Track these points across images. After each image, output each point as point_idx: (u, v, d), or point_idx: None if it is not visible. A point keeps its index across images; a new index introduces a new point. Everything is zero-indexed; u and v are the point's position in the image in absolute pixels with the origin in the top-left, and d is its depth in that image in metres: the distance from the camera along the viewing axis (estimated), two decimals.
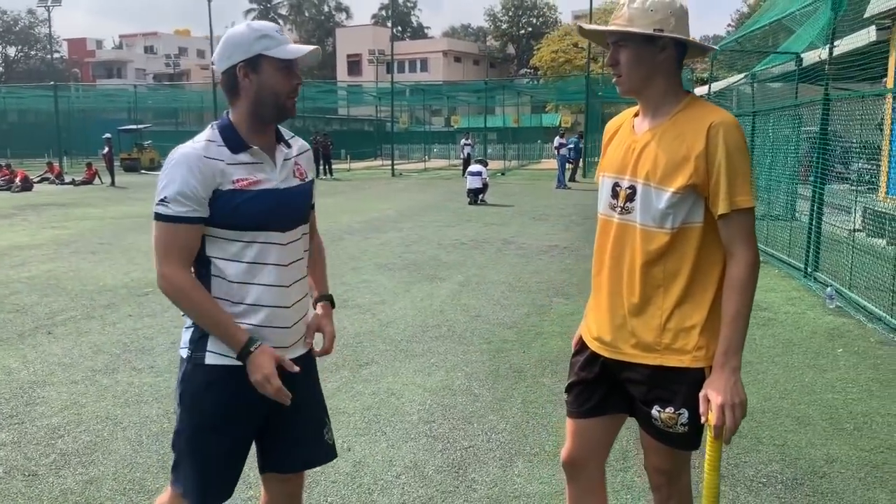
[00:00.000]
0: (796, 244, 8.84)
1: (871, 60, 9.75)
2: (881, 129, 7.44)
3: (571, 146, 24.60)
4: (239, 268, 2.04)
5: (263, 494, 2.38)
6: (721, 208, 1.93)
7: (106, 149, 25.46)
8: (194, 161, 1.97)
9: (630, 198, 2.06)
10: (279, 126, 2.18)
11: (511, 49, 76.20)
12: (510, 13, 74.24)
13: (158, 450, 3.74)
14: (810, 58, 10.41)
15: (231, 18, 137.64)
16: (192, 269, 2.05)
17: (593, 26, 2.15)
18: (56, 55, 61.65)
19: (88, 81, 70.06)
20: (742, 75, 14.97)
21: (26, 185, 22.21)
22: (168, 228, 1.97)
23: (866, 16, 9.92)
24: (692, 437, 2.08)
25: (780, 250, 9.34)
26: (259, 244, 2.05)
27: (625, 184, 2.08)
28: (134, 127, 35.54)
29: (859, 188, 7.99)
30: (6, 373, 4.96)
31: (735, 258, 1.96)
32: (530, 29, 73.50)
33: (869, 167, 8.58)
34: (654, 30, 1.97)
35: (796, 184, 10.30)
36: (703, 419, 1.96)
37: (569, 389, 2.31)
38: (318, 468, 3.48)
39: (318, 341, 2.33)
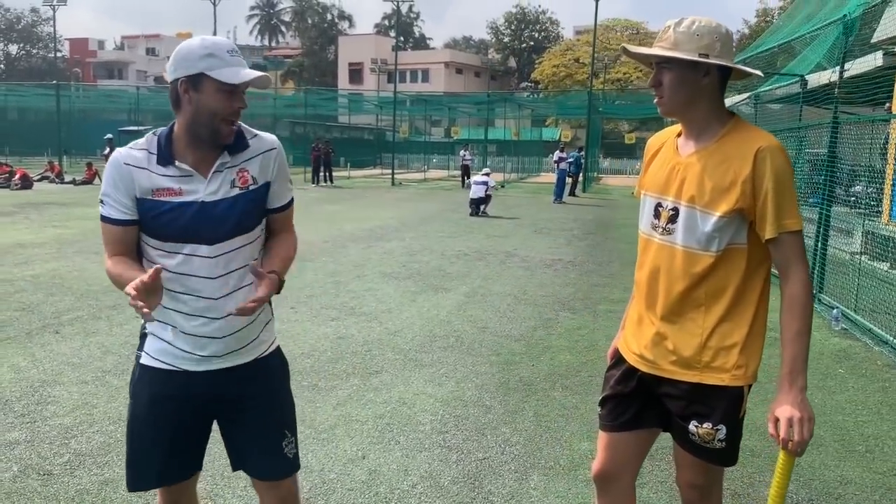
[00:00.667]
0: None
1: (877, 86, 9.83)
2: (884, 156, 7.50)
3: (572, 160, 24.64)
4: (165, 274, 2.05)
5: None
6: (769, 232, 1.95)
7: (108, 149, 25.41)
8: (114, 168, 2.07)
9: (672, 219, 2.09)
10: (241, 123, 2.14)
11: (512, 62, 76.52)
12: (513, 26, 74.62)
13: None
14: (814, 80, 10.48)
15: (234, 23, 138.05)
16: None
17: (639, 49, 2.14)
18: (58, 54, 61.62)
19: (89, 81, 70.05)
20: (744, 96, 15.06)
21: (26, 184, 22.15)
22: (102, 225, 2.12)
23: (873, 41, 10.00)
24: (729, 452, 2.11)
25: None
26: (183, 255, 2.06)
27: (668, 205, 2.10)
28: (135, 128, 35.39)
29: (862, 211, 8.04)
30: (16, 371, 4.94)
31: (790, 278, 1.98)
32: (532, 43, 73.86)
33: (871, 191, 8.64)
34: (699, 55, 1.99)
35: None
36: (771, 436, 1.95)
37: (603, 403, 2.33)
38: (332, 476, 3.52)
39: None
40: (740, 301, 2.05)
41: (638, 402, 2.23)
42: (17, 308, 6.70)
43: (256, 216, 2.15)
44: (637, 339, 2.21)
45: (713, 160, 2.02)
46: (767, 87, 13.34)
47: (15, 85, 49.91)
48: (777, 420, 1.92)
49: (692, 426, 2.09)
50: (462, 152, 31.55)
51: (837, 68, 7.86)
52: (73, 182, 24.66)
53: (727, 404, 2.05)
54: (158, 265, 1.94)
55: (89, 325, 6.20)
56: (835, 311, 7.00)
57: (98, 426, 4.05)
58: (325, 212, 17.08)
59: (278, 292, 2.12)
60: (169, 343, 2.15)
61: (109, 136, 26.34)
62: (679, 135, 2.17)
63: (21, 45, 75.76)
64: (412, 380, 5.03)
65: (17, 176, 22.28)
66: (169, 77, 2.04)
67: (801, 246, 1.99)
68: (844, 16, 7.63)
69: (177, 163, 2.06)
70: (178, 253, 2.06)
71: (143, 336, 2.22)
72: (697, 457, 2.13)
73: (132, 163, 2.06)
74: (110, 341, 5.70)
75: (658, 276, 2.13)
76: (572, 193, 24.99)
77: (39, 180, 24.40)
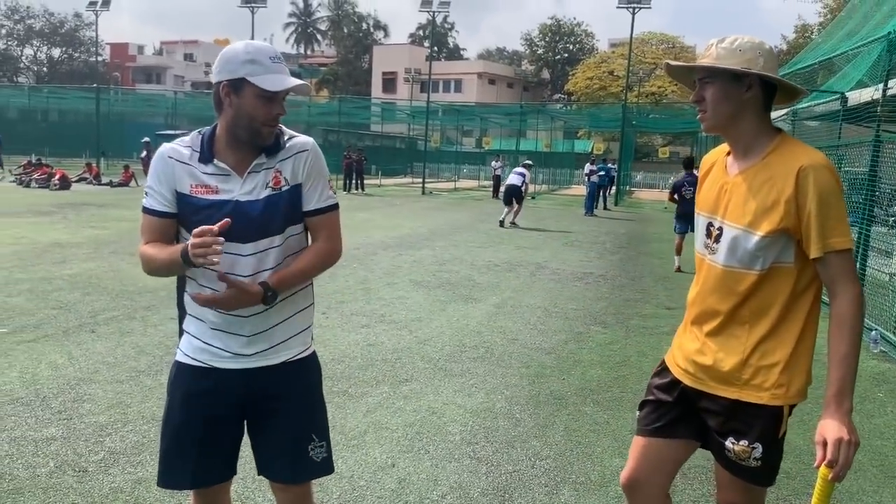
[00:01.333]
0: None
1: None
2: None
3: (603, 172, 24.45)
4: (198, 270, 2.10)
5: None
6: (814, 251, 1.94)
7: (145, 153, 25.88)
8: (160, 161, 2.15)
9: (717, 239, 2.10)
10: (280, 125, 2.18)
11: (546, 74, 76.48)
12: (547, 38, 74.61)
13: None
14: (855, 98, 10.32)
15: (270, 31, 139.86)
16: None
17: (680, 62, 2.16)
18: (99, 58, 62.86)
19: (128, 85, 71.38)
20: (783, 112, 14.88)
21: (64, 185, 22.58)
22: (143, 216, 2.18)
23: None
24: (765, 472, 2.09)
25: (823, 294, 9.19)
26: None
27: (716, 224, 2.12)
28: (171, 132, 36.00)
29: None
30: (53, 368, 5.02)
31: (839, 297, 1.95)
32: (566, 55, 73.78)
33: None
34: (742, 68, 2.00)
35: None
36: (816, 463, 1.90)
37: (641, 406, 2.35)
38: (362, 482, 3.52)
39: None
40: (785, 320, 2.03)
41: (676, 411, 2.24)
42: (55, 306, 6.82)
43: (286, 218, 2.15)
44: (682, 352, 2.23)
45: (758, 179, 2.02)
46: (806, 104, 13.17)
47: (57, 87, 51.06)
48: (824, 442, 1.87)
49: (729, 443, 2.08)
50: (494, 163, 31.54)
51: (881, 86, 7.73)
52: (110, 184, 25.08)
53: (765, 423, 2.04)
54: (223, 221, 1.97)
55: (124, 324, 6.29)
56: (873, 332, 6.86)
57: (132, 425, 4.10)
58: (356, 219, 17.17)
59: (266, 303, 2.10)
60: (202, 340, 2.19)
61: (146, 139, 26.83)
62: (728, 153, 2.17)
63: (64, 48, 77.41)
64: (442, 389, 5.03)
65: (56, 177, 22.74)
66: (213, 78, 2.09)
67: (851, 265, 1.96)
68: (889, 33, 7.50)
69: (216, 161, 2.11)
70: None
71: (181, 333, 2.26)
72: (733, 474, 2.12)
73: (176, 157, 2.14)
74: (144, 341, 5.78)
75: (706, 293, 2.15)
76: (604, 206, 24.88)
77: (77, 181, 24.84)
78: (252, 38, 39.80)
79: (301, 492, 2.32)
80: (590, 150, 41.14)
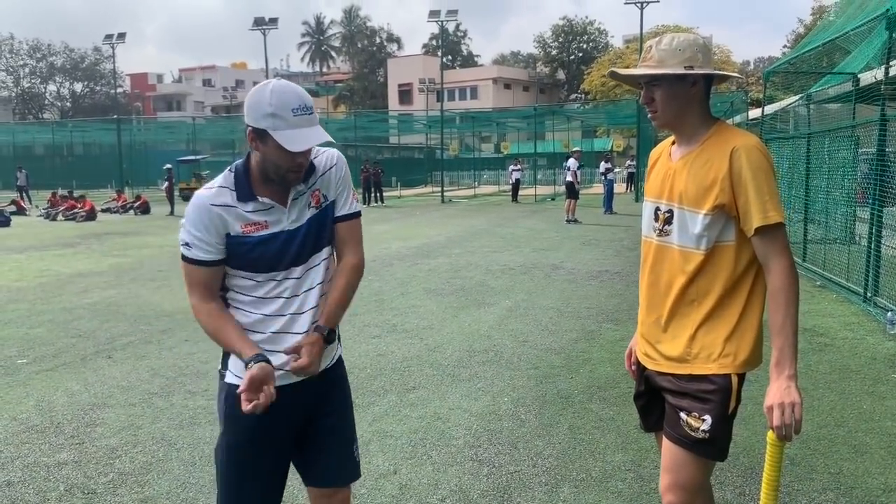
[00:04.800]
0: (855, 268, 8.60)
1: None
2: None
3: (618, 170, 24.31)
4: (250, 300, 2.18)
5: None
6: (753, 224, 2.03)
7: (167, 179, 26.26)
8: (203, 211, 2.11)
9: (668, 221, 2.20)
10: None
11: (561, 74, 76.32)
12: (560, 39, 74.49)
13: (211, 470, 3.81)
14: (867, 78, 10.19)
15: (286, 51, 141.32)
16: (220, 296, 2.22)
17: (627, 71, 2.25)
18: (119, 90, 64.09)
19: (150, 114, 72.63)
20: (798, 97, 14.70)
21: (90, 216, 23.06)
22: (187, 267, 2.15)
23: None
24: (711, 445, 2.14)
25: (838, 275, 9.09)
26: (275, 282, 2.16)
27: (663, 208, 2.22)
28: (192, 158, 36.56)
29: None
30: (69, 395, 5.15)
31: (773, 270, 2.05)
32: (580, 54, 73.59)
33: None
34: (685, 67, 2.12)
35: (854, 207, 10.04)
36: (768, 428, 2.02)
37: (635, 401, 2.48)
38: (363, 491, 3.56)
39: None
40: (729, 296, 2.14)
41: (644, 399, 2.39)
42: (74, 335, 6.98)
43: (332, 231, 2.25)
44: (641, 336, 2.35)
45: (698, 162, 2.14)
46: (819, 87, 13.02)
47: (80, 121, 52.11)
48: (771, 408, 1.99)
49: (682, 415, 2.17)
50: (512, 167, 31.56)
51: (883, 66, 7.63)
52: (135, 212, 25.52)
53: (713, 395, 2.12)
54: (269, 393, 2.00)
55: (140, 349, 6.42)
56: (889, 314, 6.76)
57: (141, 446, 4.20)
58: (374, 231, 17.30)
59: (329, 342, 2.19)
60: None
61: (168, 166, 27.19)
62: (674, 142, 2.30)
63: (86, 83, 78.99)
64: (448, 395, 5.06)
65: (85, 208, 23.20)
66: (245, 119, 2.11)
67: (783, 239, 2.06)
68: (888, 10, 7.41)
69: (259, 198, 2.13)
70: (272, 280, 2.16)
71: (226, 354, 2.23)
72: (683, 448, 2.16)
73: (219, 203, 2.12)
74: (159, 364, 5.90)
75: (658, 275, 2.26)
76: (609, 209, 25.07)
77: (104, 211, 25.21)
78: (266, 60, 40.31)
79: (347, 495, 2.40)
80: (609, 147, 40.96)
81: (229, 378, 2.22)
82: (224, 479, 2.24)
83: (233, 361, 2.21)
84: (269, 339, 2.18)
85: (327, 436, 2.31)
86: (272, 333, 2.18)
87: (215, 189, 2.14)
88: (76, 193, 25.88)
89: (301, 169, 2.12)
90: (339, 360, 2.40)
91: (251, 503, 2.25)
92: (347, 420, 2.38)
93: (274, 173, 2.10)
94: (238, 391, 1.99)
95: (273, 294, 2.17)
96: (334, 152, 2.29)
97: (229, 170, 2.18)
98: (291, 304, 2.18)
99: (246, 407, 1.96)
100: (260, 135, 2.05)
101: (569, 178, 19.82)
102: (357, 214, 2.31)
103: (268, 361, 2.04)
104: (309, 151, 2.12)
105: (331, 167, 2.25)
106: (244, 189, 2.13)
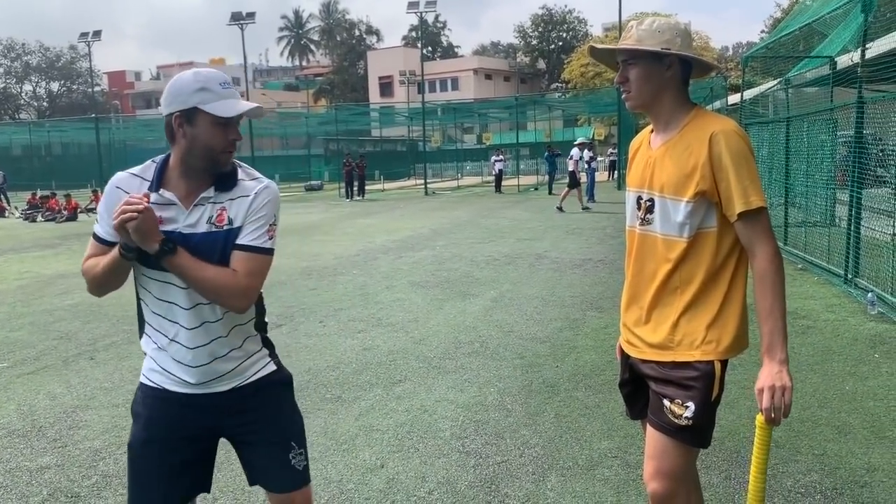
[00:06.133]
0: (836, 250, 8.67)
1: None
2: None
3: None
4: (148, 296, 2.16)
5: None
6: (735, 210, 2.02)
7: None
8: (110, 190, 2.13)
9: (649, 210, 2.20)
10: (242, 166, 2.18)
11: (542, 64, 76.30)
12: (539, 28, 74.44)
13: None
14: (844, 61, 10.25)
15: (265, 46, 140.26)
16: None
17: (604, 45, 2.24)
18: (97, 88, 63.35)
19: (128, 112, 71.95)
20: (777, 81, 14.78)
21: (71, 216, 22.82)
22: (91, 240, 2.18)
23: None
24: (694, 432, 2.14)
25: (819, 257, 9.16)
26: (159, 282, 2.11)
27: (645, 197, 2.21)
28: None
29: None
30: (51, 398, 5.09)
31: (757, 255, 2.04)
32: (560, 43, 73.56)
33: None
34: (662, 48, 2.10)
35: (834, 189, 10.11)
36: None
37: (620, 388, 2.49)
38: (350, 486, 3.55)
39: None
40: (711, 282, 2.13)
41: (630, 388, 2.40)
42: (56, 337, 6.90)
43: (225, 257, 2.10)
44: (625, 325, 2.34)
45: (677, 149, 2.13)
46: (797, 71, 13.09)
47: (57, 121, 51.50)
48: (761, 391, 2.00)
49: (666, 402, 2.16)
50: (494, 157, 31.54)
51: (860, 48, 7.68)
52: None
53: (697, 382, 2.12)
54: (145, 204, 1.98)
55: (123, 349, 6.36)
56: (870, 294, 6.83)
57: (125, 448, 4.14)
58: (357, 225, 17.24)
59: (157, 257, 1.99)
60: (160, 366, 2.20)
61: None
62: (652, 131, 2.28)
63: (62, 81, 78.00)
64: (434, 387, 5.05)
65: (69, 208, 22.97)
66: (164, 111, 2.07)
67: (766, 223, 2.05)
68: None
69: (161, 191, 2.08)
70: (158, 280, 2.11)
71: (145, 356, 2.27)
72: (666, 435, 2.16)
73: (124, 188, 2.11)
74: (142, 364, 5.82)
75: (642, 264, 2.25)
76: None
77: (84, 211, 24.95)
78: (244, 55, 39.97)
79: (303, 498, 2.34)
80: (591, 136, 41.02)
81: (143, 378, 2.25)
82: (129, 473, 2.26)
83: (146, 362, 2.24)
84: (158, 342, 2.18)
85: (256, 444, 2.27)
86: (168, 340, 2.15)
87: (129, 174, 2.15)
88: (62, 193, 25.55)
89: (233, 147, 2.09)
90: (271, 373, 2.30)
91: (139, 491, 2.23)
92: (278, 428, 2.29)
93: (203, 158, 2.05)
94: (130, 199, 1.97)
95: (165, 297, 2.12)
96: (262, 184, 2.16)
97: (152, 161, 2.17)
98: (181, 317, 2.11)
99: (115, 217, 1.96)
100: (188, 116, 2.02)
101: (570, 168, 20.15)
102: (262, 251, 2.11)
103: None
104: (238, 130, 2.10)
105: (246, 195, 2.12)
106: (154, 181, 2.11)
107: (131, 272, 2.14)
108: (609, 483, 3.53)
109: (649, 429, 2.23)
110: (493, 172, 31.00)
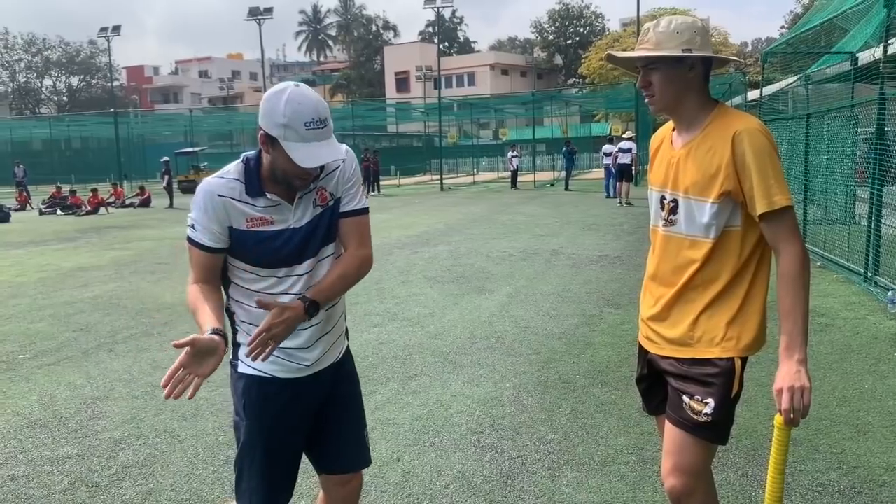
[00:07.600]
0: (855, 248, 8.59)
1: None
2: None
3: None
4: (251, 294, 2.18)
5: (322, 497, 2.49)
6: (759, 209, 2.00)
7: (164, 172, 26.22)
8: (209, 198, 2.11)
9: (673, 210, 2.19)
10: None
11: (558, 59, 75.97)
12: (556, 24, 74.11)
13: (214, 462, 3.85)
14: (866, 57, 10.13)
15: (283, 41, 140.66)
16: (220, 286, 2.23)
17: (624, 53, 2.22)
18: (116, 83, 63.79)
19: (146, 107, 72.45)
20: (797, 77, 14.63)
21: (93, 210, 23.04)
22: (190, 248, 2.17)
23: None
24: (714, 429, 2.13)
25: (839, 255, 9.08)
26: (277, 277, 2.16)
27: (668, 197, 2.20)
28: (190, 150, 36.52)
29: None
30: (71, 389, 5.16)
31: (783, 254, 2.02)
32: (577, 38, 73.20)
33: None
34: (683, 50, 2.08)
35: (854, 186, 10.02)
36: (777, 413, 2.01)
37: (637, 384, 2.48)
38: (367, 479, 3.57)
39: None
40: (734, 280, 2.12)
41: (647, 383, 2.39)
42: (76, 329, 6.98)
43: (333, 227, 2.23)
44: (644, 320, 2.34)
45: (701, 149, 2.11)
46: (818, 67, 12.96)
47: (76, 116, 51.96)
48: (780, 391, 1.97)
49: (685, 399, 2.16)
50: (510, 153, 31.45)
51: (882, 44, 7.59)
52: (133, 205, 25.49)
53: (716, 379, 2.11)
54: (194, 338, 1.94)
55: (142, 342, 6.42)
56: (890, 293, 6.76)
57: (145, 438, 4.20)
58: (373, 220, 17.02)
59: (309, 316, 2.10)
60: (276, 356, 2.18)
61: (166, 158, 27.14)
62: (674, 129, 2.27)
63: (82, 76, 78.62)
64: (450, 382, 5.07)
65: (92, 202, 23.20)
66: (259, 120, 2.09)
67: (792, 222, 2.03)
68: None
69: (267, 195, 2.12)
70: (273, 276, 2.16)
71: (237, 345, 2.27)
72: (686, 431, 2.16)
73: (226, 194, 2.11)
74: (160, 357, 5.90)
75: (664, 263, 2.25)
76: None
77: (105, 205, 25.19)
78: (262, 50, 40.21)
79: (360, 482, 2.46)
80: (608, 132, 40.83)
81: (242, 368, 2.25)
82: (248, 465, 2.27)
83: (242, 352, 2.24)
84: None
85: (339, 423, 2.36)
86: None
87: (226, 179, 2.14)
88: (89, 187, 25.76)
89: (308, 178, 2.11)
90: (348, 354, 2.43)
91: (273, 487, 2.29)
92: (358, 407, 2.44)
93: (280, 178, 2.10)
94: (178, 346, 1.94)
95: (279, 290, 2.16)
96: (348, 151, 2.27)
97: (242, 161, 2.17)
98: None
99: (166, 384, 1.95)
100: (271, 140, 2.04)
101: (626, 160, 20.16)
102: (363, 211, 2.27)
103: (223, 337, 1.98)
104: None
105: (336, 167, 2.21)
106: (254, 184, 2.12)
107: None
108: (625, 479, 3.53)
109: (668, 425, 2.22)
110: (511, 168, 30.92)
